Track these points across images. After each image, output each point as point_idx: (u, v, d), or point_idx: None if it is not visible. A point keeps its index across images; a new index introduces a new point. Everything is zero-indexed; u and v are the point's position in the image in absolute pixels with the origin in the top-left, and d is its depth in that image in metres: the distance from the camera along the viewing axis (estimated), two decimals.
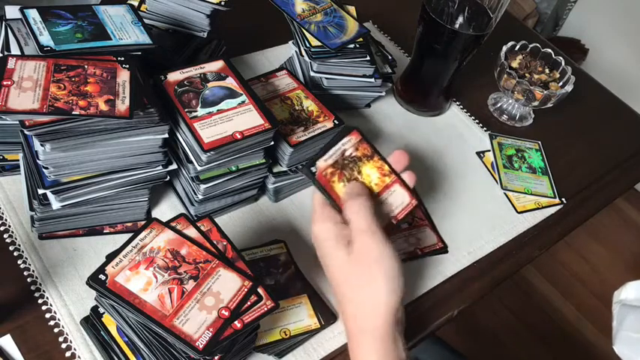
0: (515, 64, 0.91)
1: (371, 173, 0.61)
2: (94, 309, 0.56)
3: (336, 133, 0.64)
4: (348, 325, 0.56)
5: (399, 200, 0.61)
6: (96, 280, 0.49)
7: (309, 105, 0.72)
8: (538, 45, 0.93)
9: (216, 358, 0.50)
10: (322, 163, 0.59)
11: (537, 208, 0.81)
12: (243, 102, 0.64)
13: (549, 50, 0.92)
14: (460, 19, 0.81)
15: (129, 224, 0.66)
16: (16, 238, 0.62)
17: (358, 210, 0.55)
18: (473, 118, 0.92)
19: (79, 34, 0.60)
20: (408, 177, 0.61)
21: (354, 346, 0.55)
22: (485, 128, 0.91)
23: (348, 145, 0.61)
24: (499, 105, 0.95)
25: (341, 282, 0.55)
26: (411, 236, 0.73)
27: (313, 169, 0.58)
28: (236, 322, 0.49)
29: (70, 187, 0.57)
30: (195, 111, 0.62)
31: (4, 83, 0.53)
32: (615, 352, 0.74)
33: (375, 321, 0.53)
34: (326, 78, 0.79)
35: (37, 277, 0.60)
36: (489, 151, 0.87)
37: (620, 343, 0.73)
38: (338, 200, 0.58)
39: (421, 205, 0.77)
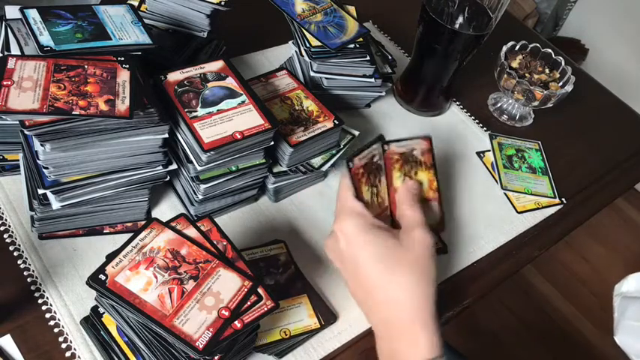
0: (515, 64, 0.91)
1: (423, 180, 0.66)
2: (94, 309, 0.56)
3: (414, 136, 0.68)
4: (392, 314, 0.55)
5: (430, 214, 0.65)
6: (96, 280, 0.49)
7: (309, 105, 0.72)
8: (538, 45, 0.93)
9: (216, 358, 0.50)
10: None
11: (537, 208, 0.81)
12: (243, 102, 0.64)
13: (549, 50, 0.93)
14: (460, 19, 0.81)
15: (129, 224, 0.66)
16: (16, 238, 0.62)
17: (413, 204, 0.60)
18: (473, 118, 0.92)
19: (79, 34, 0.60)
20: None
21: (402, 337, 0.54)
22: (485, 128, 0.91)
23: (417, 147, 0.66)
24: (499, 105, 0.95)
25: (386, 268, 0.55)
26: None
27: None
28: (236, 322, 0.49)
29: (70, 187, 0.57)
30: (195, 111, 0.62)
31: (4, 83, 0.53)
32: (617, 342, 0.74)
33: (431, 309, 0.55)
34: (326, 78, 0.79)
35: (37, 277, 0.60)
36: (489, 151, 0.87)
37: (621, 333, 0.73)
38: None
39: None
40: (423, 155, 0.66)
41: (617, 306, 0.77)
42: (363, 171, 0.60)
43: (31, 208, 0.59)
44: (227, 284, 0.51)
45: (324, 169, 0.72)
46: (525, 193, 0.82)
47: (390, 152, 0.63)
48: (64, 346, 0.56)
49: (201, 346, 0.47)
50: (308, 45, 0.77)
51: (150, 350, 0.50)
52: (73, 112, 0.52)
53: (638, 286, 0.76)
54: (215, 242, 0.54)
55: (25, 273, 0.60)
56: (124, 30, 0.63)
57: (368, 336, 0.63)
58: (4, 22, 0.62)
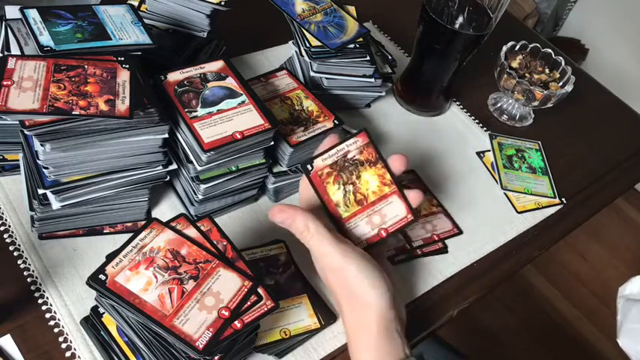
0: (515, 64, 0.91)
1: (370, 180, 0.59)
2: (94, 309, 0.56)
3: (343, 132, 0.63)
4: (346, 325, 0.57)
5: (393, 212, 0.59)
6: (96, 280, 0.49)
7: (309, 105, 0.72)
8: (538, 45, 0.93)
9: (216, 358, 0.50)
10: (320, 163, 0.58)
11: (537, 208, 0.81)
12: (243, 102, 0.64)
13: (549, 50, 0.93)
14: (460, 19, 0.81)
15: (129, 224, 0.66)
16: (16, 238, 0.62)
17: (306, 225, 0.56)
18: (473, 118, 0.92)
19: (79, 34, 0.60)
20: (414, 195, 0.60)
21: (352, 345, 0.56)
22: (485, 128, 0.91)
23: (352, 147, 0.60)
24: (499, 105, 0.95)
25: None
26: (427, 223, 0.75)
27: (309, 166, 0.57)
28: (236, 322, 0.49)
29: (70, 187, 0.57)
30: (195, 111, 0.62)
31: (4, 83, 0.53)
32: (619, 345, 0.74)
33: (369, 317, 0.55)
34: (326, 78, 0.79)
35: (37, 277, 0.60)
36: (489, 151, 0.87)
37: (624, 336, 0.73)
38: (329, 203, 0.58)
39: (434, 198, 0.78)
40: (361, 153, 0.60)
41: (621, 308, 0.77)
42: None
43: (31, 208, 0.59)
44: (227, 284, 0.51)
45: None
46: (525, 193, 0.82)
47: (317, 169, 0.58)
48: (64, 346, 0.56)
49: (201, 346, 0.47)
50: (308, 45, 0.77)
51: (150, 350, 0.50)
52: (73, 112, 0.52)
53: None
54: (215, 242, 0.54)
55: (25, 273, 0.60)
56: (124, 30, 0.63)
57: None
58: (4, 22, 0.62)
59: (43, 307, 0.58)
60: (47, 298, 0.59)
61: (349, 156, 0.60)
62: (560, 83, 0.90)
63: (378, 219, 0.59)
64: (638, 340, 0.70)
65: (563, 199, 0.83)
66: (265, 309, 0.51)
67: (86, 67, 0.57)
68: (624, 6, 2.06)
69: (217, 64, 0.67)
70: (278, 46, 0.92)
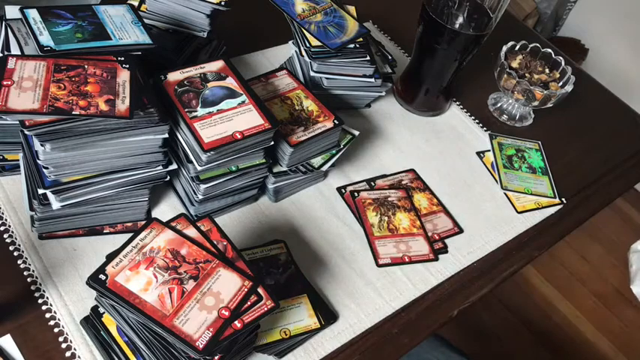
0: (515, 64, 0.91)
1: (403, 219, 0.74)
2: (94, 309, 0.56)
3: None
4: None
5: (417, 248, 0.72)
6: (96, 280, 0.49)
7: (309, 105, 0.72)
8: (538, 45, 0.93)
9: (216, 358, 0.50)
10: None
11: (537, 208, 0.81)
12: (243, 102, 0.64)
13: (549, 50, 0.92)
14: (460, 19, 0.81)
15: (129, 224, 0.66)
16: (16, 238, 0.62)
17: None
18: (473, 118, 0.92)
19: (79, 34, 0.60)
20: None
21: None
22: (485, 128, 0.91)
23: (392, 195, 0.76)
24: (499, 105, 0.95)
25: None
26: (427, 222, 0.76)
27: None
28: (236, 322, 0.49)
29: (70, 187, 0.57)
30: (196, 111, 0.62)
31: (4, 83, 0.53)
32: (633, 292, 0.76)
33: None
34: (326, 78, 0.79)
35: (37, 277, 0.60)
36: (489, 151, 0.87)
37: (637, 284, 0.74)
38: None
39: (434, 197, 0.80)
40: (399, 200, 0.75)
41: (636, 260, 0.79)
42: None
43: (31, 208, 0.59)
44: (227, 284, 0.51)
45: (324, 169, 0.72)
46: (525, 193, 0.82)
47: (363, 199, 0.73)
48: (64, 346, 0.56)
49: (201, 346, 0.47)
50: (308, 45, 0.77)
51: (150, 350, 0.50)
52: (73, 112, 0.52)
53: None
54: (215, 242, 0.54)
55: (25, 273, 0.60)
56: (124, 30, 0.63)
57: (368, 336, 0.63)
58: (4, 22, 0.62)
59: (43, 307, 0.58)
60: (47, 298, 0.59)
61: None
62: (560, 83, 0.90)
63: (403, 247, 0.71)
64: None
65: (563, 199, 0.83)
66: (265, 309, 0.51)
67: (86, 67, 0.57)
68: (624, 6, 2.06)
69: (217, 64, 0.67)
70: (278, 46, 0.92)
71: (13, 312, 0.57)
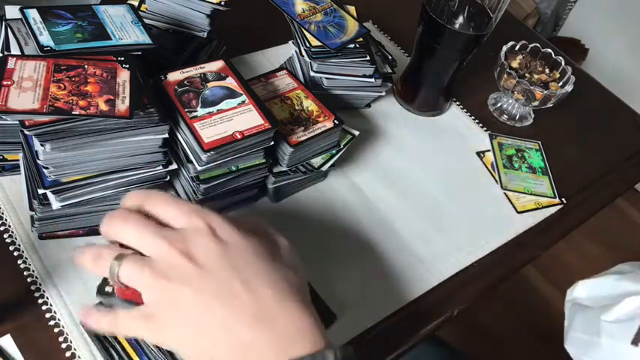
0: (515, 64, 0.91)
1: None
2: None
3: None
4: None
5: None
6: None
7: (309, 105, 0.72)
8: (538, 45, 0.93)
9: None
10: None
11: (537, 208, 0.81)
12: (243, 102, 0.64)
13: (549, 50, 0.93)
14: (460, 19, 0.81)
15: None
16: (16, 238, 0.62)
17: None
18: (473, 118, 0.92)
19: (79, 34, 0.60)
20: None
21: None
22: (485, 128, 0.91)
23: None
24: (499, 105, 0.95)
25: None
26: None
27: None
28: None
29: (70, 187, 0.57)
30: (195, 111, 0.62)
31: (4, 83, 0.53)
32: (567, 350, 0.72)
33: None
34: (326, 78, 0.79)
35: (37, 277, 0.60)
36: (489, 151, 0.87)
37: (570, 344, 0.71)
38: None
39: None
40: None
41: (568, 313, 0.74)
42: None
43: (31, 208, 0.59)
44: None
45: (324, 169, 0.72)
46: (525, 193, 0.82)
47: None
48: (64, 346, 0.56)
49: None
50: (308, 45, 0.77)
51: (158, 347, 0.50)
52: (73, 112, 0.52)
53: (588, 294, 0.73)
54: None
55: (25, 273, 0.60)
56: (124, 30, 0.63)
57: (368, 336, 0.63)
58: (4, 22, 0.62)
59: (43, 307, 0.58)
60: (47, 298, 0.59)
61: None
62: (560, 83, 0.90)
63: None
64: (584, 352, 0.68)
65: (563, 199, 0.83)
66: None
67: (86, 67, 0.57)
68: (624, 6, 2.06)
69: (217, 64, 0.67)
70: (278, 46, 0.92)
71: (13, 312, 0.57)
